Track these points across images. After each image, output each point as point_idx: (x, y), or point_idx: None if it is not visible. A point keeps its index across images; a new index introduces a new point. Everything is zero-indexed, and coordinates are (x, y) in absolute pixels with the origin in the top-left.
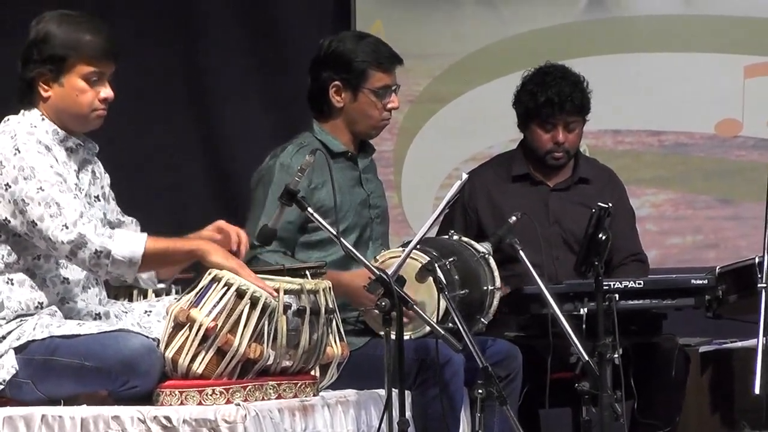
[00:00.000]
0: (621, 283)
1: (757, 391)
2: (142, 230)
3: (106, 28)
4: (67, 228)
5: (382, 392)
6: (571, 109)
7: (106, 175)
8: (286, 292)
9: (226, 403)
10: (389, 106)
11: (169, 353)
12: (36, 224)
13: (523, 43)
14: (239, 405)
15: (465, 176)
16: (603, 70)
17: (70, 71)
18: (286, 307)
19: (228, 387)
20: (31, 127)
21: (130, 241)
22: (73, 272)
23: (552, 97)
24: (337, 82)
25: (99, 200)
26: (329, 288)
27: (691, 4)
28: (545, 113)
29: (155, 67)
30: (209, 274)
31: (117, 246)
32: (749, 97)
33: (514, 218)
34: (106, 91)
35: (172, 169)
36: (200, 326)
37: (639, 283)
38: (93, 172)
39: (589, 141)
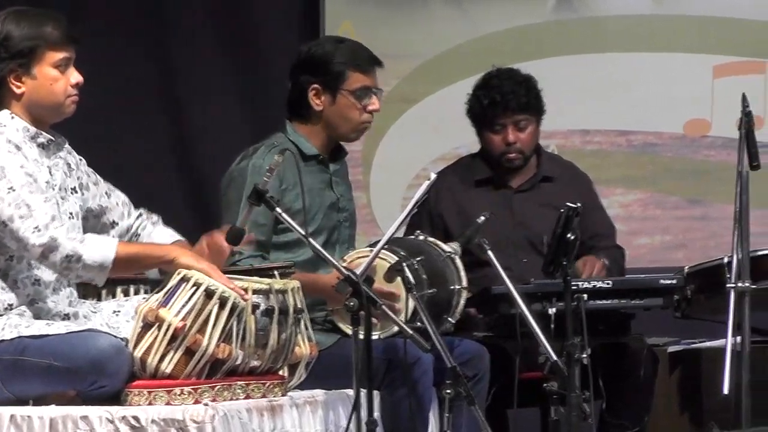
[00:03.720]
0: (589, 283)
1: (725, 391)
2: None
3: (61, 16)
4: (38, 231)
5: (351, 392)
6: (516, 107)
7: (82, 161)
8: (254, 292)
9: (194, 403)
10: (369, 108)
11: (138, 353)
12: (6, 225)
13: (492, 43)
14: (207, 405)
15: (433, 176)
16: (572, 70)
17: (41, 61)
18: (255, 307)
19: (196, 387)
20: (1, 126)
21: (101, 245)
22: (45, 273)
23: (495, 97)
24: (315, 85)
25: (75, 192)
26: (298, 288)
27: (660, 4)
28: (491, 115)
29: (128, 67)
30: (178, 274)
31: (88, 250)
32: (718, 97)
33: (482, 218)
34: (76, 76)
35: (144, 170)
36: (169, 326)
37: (607, 283)
38: (68, 164)
39: (557, 141)
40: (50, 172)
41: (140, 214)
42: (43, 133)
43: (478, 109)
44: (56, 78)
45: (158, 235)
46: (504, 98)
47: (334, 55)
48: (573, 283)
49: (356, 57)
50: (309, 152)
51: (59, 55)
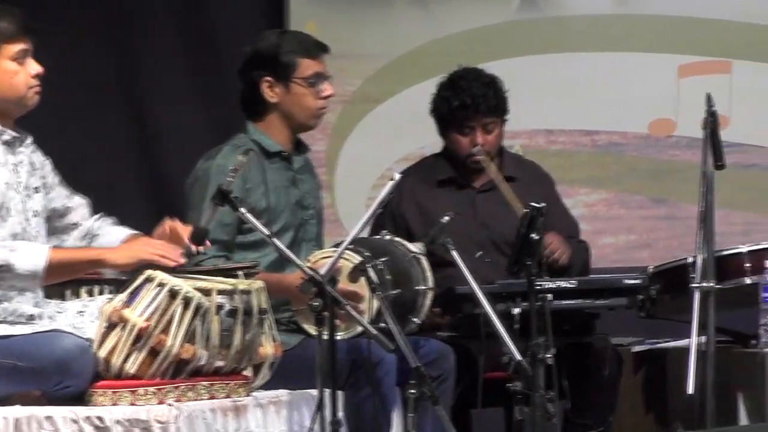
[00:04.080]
0: (554, 283)
1: (690, 390)
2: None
3: (15, 9)
4: None
5: (315, 392)
6: (486, 110)
7: (47, 161)
8: (218, 292)
9: (158, 403)
10: (324, 93)
11: (102, 353)
12: None
13: (456, 44)
14: (172, 405)
15: (397, 176)
16: (536, 70)
17: None
18: (219, 307)
19: (161, 387)
20: None
21: (32, 254)
22: None
23: (465, 100)
24: (268, 78)
25: (38, 191)
26: (262, 288)
27: (625, 4)
28: (461, 117)
29: (90, 68)
30: (143, 274)
31: (19, 259)
32: (683, 97)
33: (446, 218)
34: (35, 67)
35: (106, 171)
36: (133, 326)
37: (572, 283)
38: (32, 163)
39: (522, 141)
40: (16, 170)
41: (99, 217)
42: (8, 130)
43: (446, 110)
44: (16, 71)
45: (116, 232)
46: (474, 101)
47: (281, 45)
48: (537, 283)
49: (304, 45)
50: (272, 149)
51: (16, 48)
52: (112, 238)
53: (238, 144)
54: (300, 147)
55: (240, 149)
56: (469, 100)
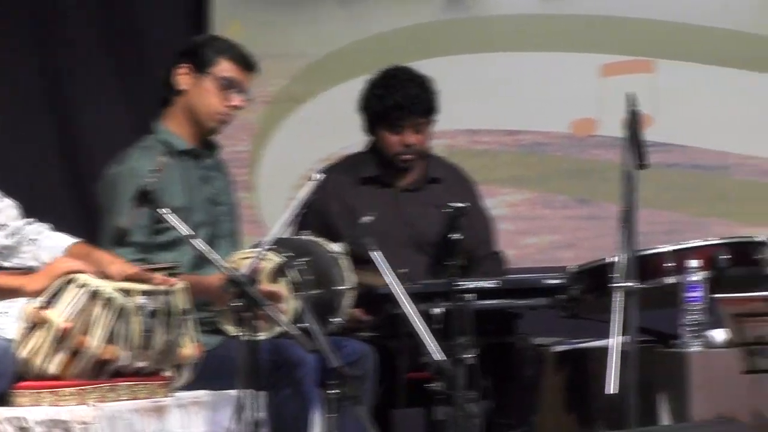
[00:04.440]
0: (476, 283)
1: (611, 390)
2: None
3: None
4: None
5: (236, 393)
6: (419, 111)
7: None
8: (140, 293)
9: (80, 404)
10: (231, 102)
11: (24, 354)
12: None
13: (380, 43)
14: (93, 406)
15: (318, 176)
16: (460, 70)
17: None
18: (140, 308)
19: (82, 388)
20: None
21: None
22: None
23: (400, 100)
24: (186, 65)
25: None
26: (184, 289)
27: (548, 3)
28: (394, 116)
29: (11, 67)
30: (64, 275)
31: None
32: (606, 96)
33: (367, 219)
34: None
35: (28, 172)
36: (54, 327)
37: (494, 283)
38: None
39: (445, 141)
40: None
41: (32, 222)
42: None
43: (379, 108)
44: None
45: (57, 238)
46: (409, 101)
47: (213, 42)
48: (458, 283)
49: (233, 50)
50: (181, 147)
51: None
52: (53, 243)
53: (148, 145)
54: (210, 145)
55: (151, 150)
56: (403, 100)
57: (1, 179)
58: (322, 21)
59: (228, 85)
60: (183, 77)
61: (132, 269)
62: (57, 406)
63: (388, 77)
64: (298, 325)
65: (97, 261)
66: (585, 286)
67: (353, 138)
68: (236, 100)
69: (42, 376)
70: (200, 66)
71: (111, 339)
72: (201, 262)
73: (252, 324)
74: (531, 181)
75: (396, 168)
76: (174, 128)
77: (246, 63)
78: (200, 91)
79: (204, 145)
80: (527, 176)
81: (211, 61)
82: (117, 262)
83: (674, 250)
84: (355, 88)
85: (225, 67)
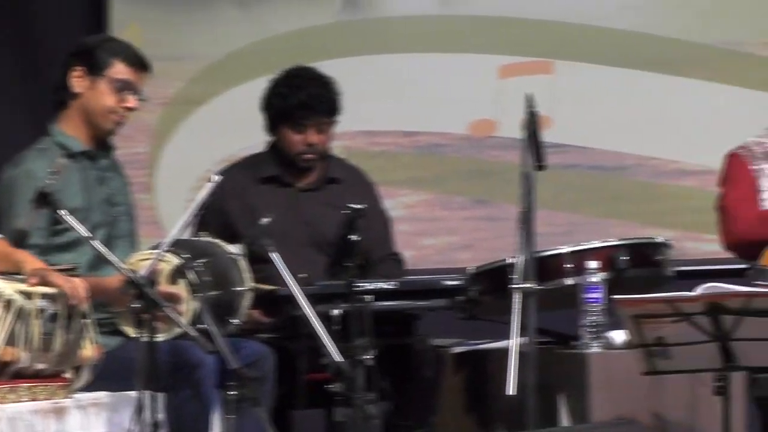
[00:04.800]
0: (374, 285)
1: (510, 391)
2: None
3: None
4: None
5: (135, 394)
6: (323, 111)
7: None
8: (40, 295)
9: None
10: (125, 103)
11: None
12: None
13: (279, 45)
14: None
15: (216, 177)
16: (358, 71)
17: None
18: (40, 310)
19: None
20: None
21: None
22: None
23: (304, 99)
24: (80, 68)
25: None
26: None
27: (447, 5)
28: (297, 116)
29: None
30: None
31: None
32: (504, 97)
33: (265, 220)
34: None
35: None
36: None
37: (393, 285)
38: None
39: (344, 142)
40: None
41: None
42: None
43: (283, 106)
44: None
45: None
46: (314, 101)
47: (105, 44)
48: (357, 284)
49: (126, 52)
50: (77, 149)
51: None
52: None
53: (44, 147)
54: (105, 146)
55: (47, 151)
56: (307, 99)
57: None
58: (220, 22)
59: (123, 87)
60: (77, 80)
61: (47, 271)
62: None
63: (292, 76)
64: (197, 326)
65: (13, 260)
66: (483, 288)
67: (252, 139)
68: (131, 101)
69: None
70: (94, 68)
71: (11, 341)
72: (99, 263)
73: (151, 325)
74: (429, 182)
75: (297, 168)
76: (70, 130)
77: (140, 63)
78: (95, 93)
79: (99, 146)
80: (425, 177)
81: (106, 63)
82: (33, 262)
83: (573, 251)
84: (253, 89)
85: (119, 69)
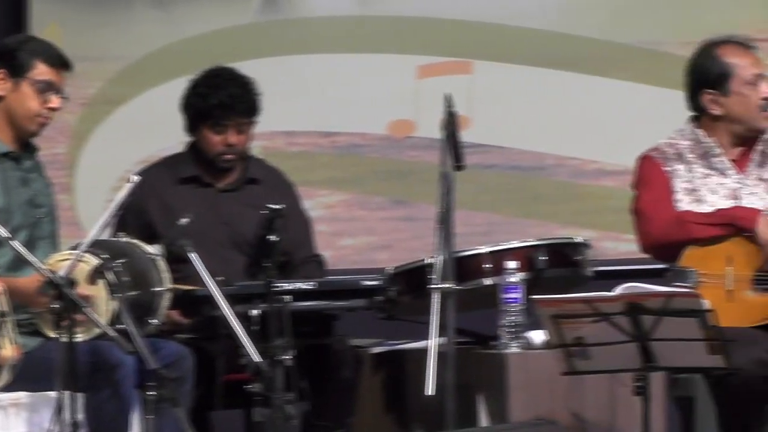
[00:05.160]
0: (293, 285)
1: (429, 392)
2: None
3: None
4: None
5: (55, 394)
6: (242, 111)
7: None
8: None
9: None
10: (49, 104)
11: None
12: None
13: (198, 45)
14: None
15: (135, 178)
16: (276, 72)
17: None
18: None
19: None
20: None
21: None
22: None
23: (224, 99)
24: (1, 70)
25: None
26: (2, 291)
27: (365, 5)
28: (217, 116)
29: None
30: None
31: None
32: (422, 98)
33: (184, 220)
34: None
35: None
36: None
37: (311, 285)
38: None
39: (263, 142)
40: None
41: None
42: None
43: (203, 106)
44: None
45: None
46: (233, 101)
47: (25, 45)
48: (276, 284)
49: (47, 52)
50: (0, 150)
51: None
52: None
53: None
54: (29, 147)
55: None
56: (228, 101)
57: None
58: (138, 23)
59: (46, 88)
60: (0, 83)
61: None
62: None
63: (211, 77)
64: (116, 326)
65: None
66: (402, 288)
67: (171, 140)
68: (55, 101)
69: None
70: (16, 71)
71: None
72: (19, 264)
73: (70, 326)
74: (348, 182)
75: (216, 168)
76: None
77: (62, 63)
78: (18, 95)
79: (23, 147)
80: (344, 178)
81: (27, 64)
82: None
83: (492, 252)
84: (172, 90)
85: (42, 70)
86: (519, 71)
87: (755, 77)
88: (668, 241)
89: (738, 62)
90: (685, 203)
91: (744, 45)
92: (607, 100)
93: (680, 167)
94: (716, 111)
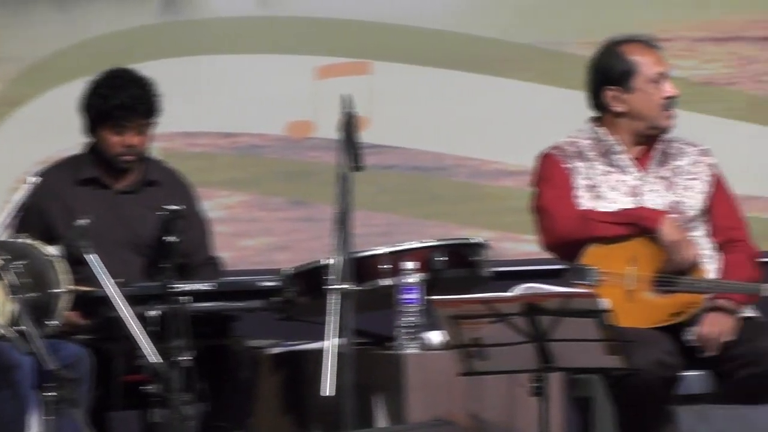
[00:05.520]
0: (192, 286)
1: (327, 392)
2: None
3: None
4: None
5: None
6: (142, 113)
7: None
8: None
9: None
10: None
11: None
12: None
13: (98, 46)
14: None
15: (32, 179)
16: (176, 72)
17: None
18: None
19: None
20: None
21: None
22: None
23: (125, 100)
24: None
25: None
26: None
27: (265, 6)
28: (117, 117)
29: None
30: None
31: None
32: (321, 98)
33: (82, 222)
34: None
35: None
36: None
37: (210, 286)
38: None
39: (162, 143)
40: None
41: None
42: None
43: (103, 108)
44: None
45: None
46: (134, 102)
47: None
48: (174, 285)
49: None
50: None
51: None
52: None
53: None
54: None
55: None
56: (128, 102)
57: None
58: (37, 24)
59: None
60: None
61: None
62: None
63: (112, 78)
64: (15, 327)
65: None
66: (301, 289)
67: (70, 141)
68: None
69: None
70: None
71: None
72: None
73: None
74: (247, 183)
75: (115, 169)
76: None
77: None
78: None
79: None
80: (243, 178)
81: None
82: None
83: (390, 252)
84: (72, 91)
85: None
86: (418, 72)
87: (659, 75)
88: (571, 238)
89: (642, 60)
90: (585, 200)
91: (648, 43)
92: (508, 100)
93: (580, 164)
94: (619, 108)
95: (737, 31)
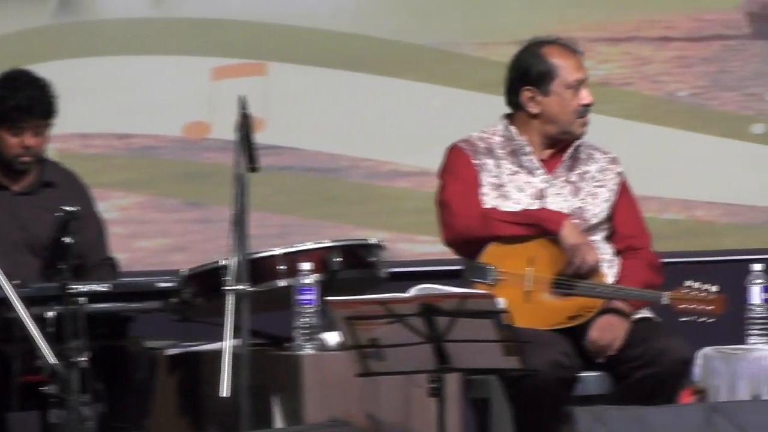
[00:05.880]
0: (88, 287)
1: (224, 393)
2: None
3: None
4: None
5: None
6: (40, 114)
7: None
8: None
9: None
10: None
11: None
12: None
13: None
14: None
15: None
16: (71, 74)
17: None
18: None
19: None
20: None
21: None
22: None
23: (21, 102)
24: None
25: None
26: None
27: (159, 7)
28: (14, 118)
29: None
30: None
31: None
32: (217, 99)
33: None
34: None
35: None
36: None
37: (106, 287)
38: None
39: (57, 145)
40: None
41: None
42: None
43: (1, 109)
44: None
45: None
46: (31, 103)
47: None
48: (71, 286)
49: None
50: None
51: None
52: None
53: None
54: None
55: None
56: (25, 103)
57: None
58: None
59: None
60: None
61: None
62: None
63: (9, 79)
64: None
65: None
66: (197, 290)
67: None
68: None
69: None
70: None
71: None
72: None
73: None
74: (142, 184)
75: (12, 171)
76: None
77: None
78: None
79: None
80: (138, 180)
81: None
82: None
83: (286, 253)
84: None
85: None
86: (314, 73)
87: (577, 82)
88: (471, 236)
89: (562, 64)
90: (490, 198)
91: (571, 49)
92: (402, 101)
93: (489, 161)
94: (533, 109)
95: (631, 31)
